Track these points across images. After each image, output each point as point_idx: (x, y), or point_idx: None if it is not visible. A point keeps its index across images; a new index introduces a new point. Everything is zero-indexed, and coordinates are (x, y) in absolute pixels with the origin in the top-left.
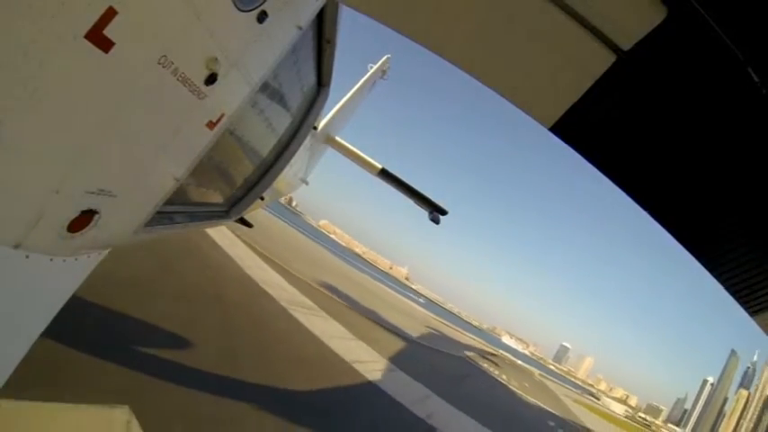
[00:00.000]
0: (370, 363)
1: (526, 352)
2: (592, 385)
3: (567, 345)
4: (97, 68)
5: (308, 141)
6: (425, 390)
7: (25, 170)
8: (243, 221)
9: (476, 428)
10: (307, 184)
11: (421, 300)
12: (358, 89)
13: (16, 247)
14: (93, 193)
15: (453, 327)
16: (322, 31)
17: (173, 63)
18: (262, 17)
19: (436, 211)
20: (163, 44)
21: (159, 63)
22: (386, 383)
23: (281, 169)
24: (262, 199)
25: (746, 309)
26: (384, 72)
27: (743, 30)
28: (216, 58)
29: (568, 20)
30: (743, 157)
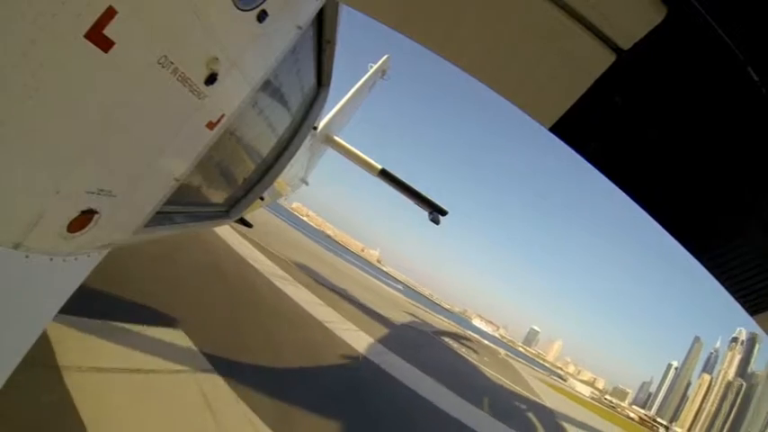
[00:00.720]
0: (337, 323)
1: (496, 335)
2: (560, 368)
3: (537, 328)
4: (97, 68)
5: (307, 141)
6: (383, 348)
7: (25, 170)
8: (243, 221)
9: (416, 375)
10: (307, 184)
11: (399, 286)
12: (358, 89)
13: (16, 247)
14: (93, 193)
15: (424, 308)
16: (322, 31)
17: (173, 63)
18: (262, 17)
19: (436, 212)
20: (163, 44)
21: (159, 63)
22: (350, 339)
23: (281, 169)
24: (262, 199)
25: (746, 308)
26: (384, 72)
27: (743, 30)
28: (216, 58)
29: (568, 19)
30: (743, 157)
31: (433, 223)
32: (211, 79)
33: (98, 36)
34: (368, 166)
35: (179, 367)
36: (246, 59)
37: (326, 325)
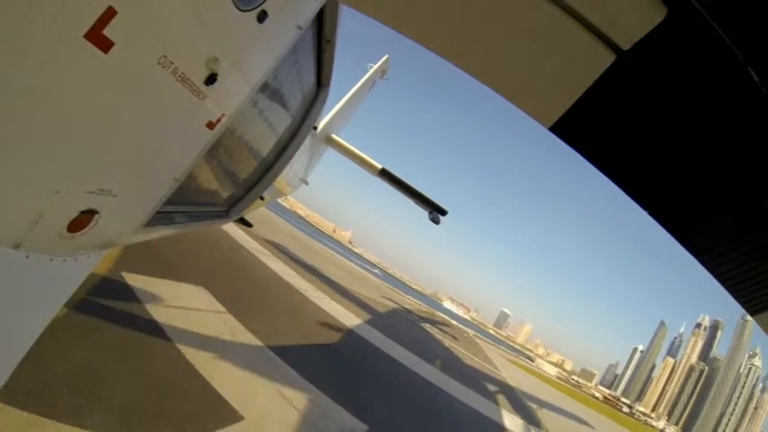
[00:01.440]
0: (311, 292)
1: (467, 317)
2: (530, 350)
3: (508, 311)
4: (97, 68)
5: (307, 141)
6: (349, 313)
7: (25, 170)
8: (243, 221)
9: (381, 340)
10: (307, 184)
11: (376, 271)
12: (358, 89)
13: (16, 247)
14: (93, 192)
15: (395, 289)
16: (322, 31)
17: (172, 63)
18: (262, 17)
19: (436, 211)
20: (163, 44)
21: (159, 63)
22: (323, 305)
23: (281, 169)
24: (262, 199)
25: (746, 308)
26: (384, 72)
27: (743, 30)
28: (216, 58)
29: (568, 19)
30: (743, 157)
31: (432, 223)
32: (211, 79)
33: (98, 36)
34: (368, 166)
35: (207, 308)
36: (246, 59)
37: (301, 291)
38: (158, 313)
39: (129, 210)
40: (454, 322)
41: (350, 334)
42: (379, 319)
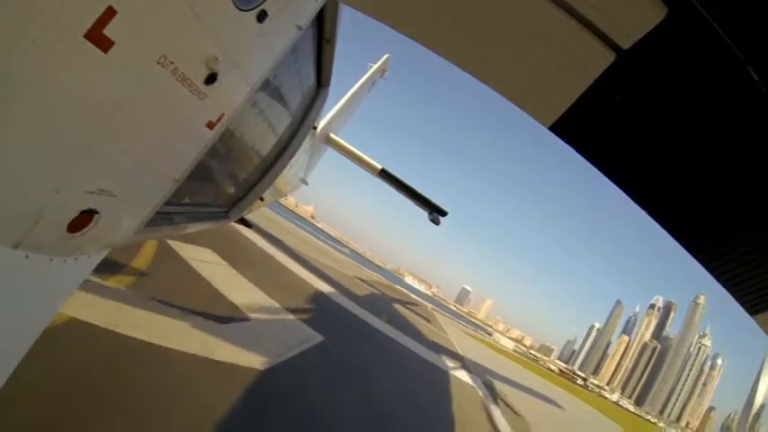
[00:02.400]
0: (282, 259)
1: (428, 293)
2: (490, 326)
3: (469, 288)
4: (97, 68)
5: (307, 141)
6: (311, 275)
7: (25, 170)
8: (243, 222)
9: (339, 297)
10: (306, 184)
11: (345, 250)
12: (358, 89)
13: (16, 247)
14: (93, 193)
15: (355, 263)
16: (322, 31)
17: (172, 63)
18: (262, 17)
19: (436, 212)
20: (162, 44)
21: (159, 63)
22: (294, 269)
23: (281, 169)
24: (261, 199)
25: (746, 308)
26: (384, 72)
27: (743, 29)
28: (216, 58)
29: (568, 18)
30: (743, 157)
31: (432, 223)
32: (211, 79)
33: (98, 36)
34: (368, 166)
35: (215, 261)
36: (246, 59)
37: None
38: (190, 259)
39: (129, 210)
40: (413, 296)
41: (313, 289)
42: (340, 286)
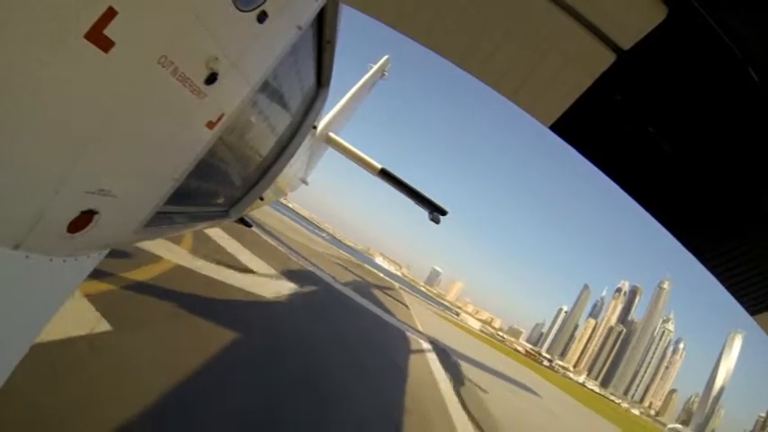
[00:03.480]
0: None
1: (398, 273)
2: (460, 307)
3: (439, 269)
4: (97, 68)
5: (307, 141)
6: (279, 243)
7: (25, 170)
8: (243, 221)
9: (321, 273)
10: (306, 184)
11: (324, 234)
12: (358, 89)
13: (16, 247)
14: (92, 193)
15: (328, 243)
16: (322, 32)
17: (173, 63)
18: (262, 17)
19: (436, 212)
20: (163, 44)
21: (159, 63)
22: (275, 244)
23: (281, 169)
24: (261, 199)
25: (746, 308)
26: (384, 73)
27: (743, 30)
28: (216, 58)
29: (569, 19)
30: (743, 157)
31: (433, 222)
32: (211, 79)
33: (98, 36)
34: (368, 166)
35: (223, 235)
36: (246, 59)
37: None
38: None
39: (129, 210)
40: (381, 274)
41: (291, 259)
42: (310, 260)
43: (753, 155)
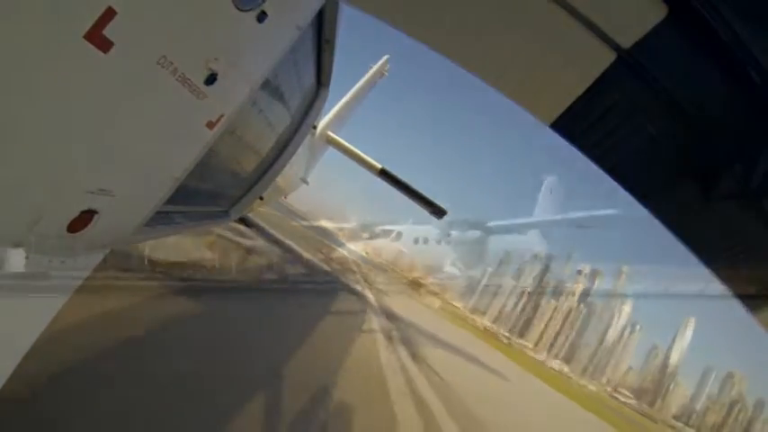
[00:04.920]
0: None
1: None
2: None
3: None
4: (97, 69)
5: (307, 141)
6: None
7: (25, 170)
8: (243, 221)
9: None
10: (306, 183)
11: (304, 223)
12: (358, 89)
13: (16, 247)
14: (93, 192)
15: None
16: (321, 31)
17: (172, 63)
18: (261, 17)
19: (436, 211)
20: (162, 44)
21: (159, 63)
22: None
23: (281, 169)
24: (261, 199)
25: (746, 308)
26: (383, 73)
27: (743, 30)
28: (216, 58)
29: (569, 17)
30: (743, 157)
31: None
32: (211, 79)
33: (97, 37)
34: (368, 166)
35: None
36: (246, 59)
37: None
38: None
39: (128, 210)
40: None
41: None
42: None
43: (752, 154)
